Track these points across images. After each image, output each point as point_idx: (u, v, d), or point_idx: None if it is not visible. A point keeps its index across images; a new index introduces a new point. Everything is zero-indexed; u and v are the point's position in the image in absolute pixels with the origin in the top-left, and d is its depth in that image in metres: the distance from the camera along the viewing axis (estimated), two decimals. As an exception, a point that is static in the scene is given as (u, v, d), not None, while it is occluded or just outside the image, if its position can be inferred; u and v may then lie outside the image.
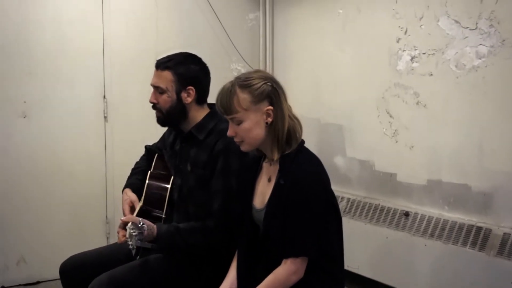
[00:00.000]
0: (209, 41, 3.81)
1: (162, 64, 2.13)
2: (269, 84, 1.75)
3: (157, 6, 3.58)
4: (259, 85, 1.73)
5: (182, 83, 2.11)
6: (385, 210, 3.04)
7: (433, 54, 2.83)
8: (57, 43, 3.25)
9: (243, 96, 1.72)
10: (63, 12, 3.26)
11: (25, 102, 3.19)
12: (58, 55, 3.26)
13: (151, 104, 2.16)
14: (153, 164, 2.38)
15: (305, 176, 1.72)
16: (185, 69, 2.12)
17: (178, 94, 2.12)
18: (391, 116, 3.04)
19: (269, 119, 1.74)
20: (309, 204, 1.70)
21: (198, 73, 2.15)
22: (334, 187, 1.81)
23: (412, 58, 2.93)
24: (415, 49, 2.92)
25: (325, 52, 3.54)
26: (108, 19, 3.40)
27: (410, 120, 2.94)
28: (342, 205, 3.25)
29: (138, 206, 2.24)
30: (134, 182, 2.36)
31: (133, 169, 2.47)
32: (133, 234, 1.84)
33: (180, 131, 2.21)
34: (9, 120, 3.18)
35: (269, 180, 1.83)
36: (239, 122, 1.75)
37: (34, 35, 3.18)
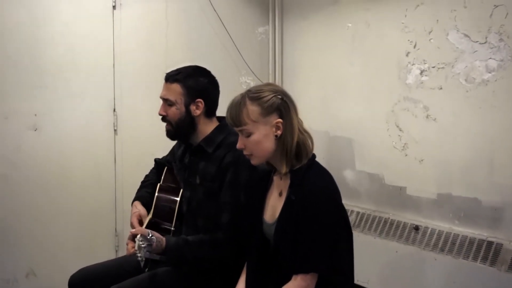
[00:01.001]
0: (218, 54, 3.82)
1: (171, 77, 2.14)
2: (279, 97, 1.75)
3: (167, 20, 3.60)
4: (269, 97, 1.73)
5: (191, 95, 2.12)
6: (394, 224, 3.03)
7: (443, 68, 2.83)
8: (68, 57, 3.27)
9: (253, 108, 1.73)
10: (74, 26, 3.28)
11: (36, 115, 3.20)
12: (69, 69, 3.27)
13: (161, 117, 2.18)
14: (162, 177, 2.38)
15: (316, 191, 1.71)
16: (194, 82, 2.13)
17: (187, 106, 2.13)
18: (400, 130, 3.03)
19: (279, 132, 1.74)
20: (320, 220, 1.69)
21: (207, 85, 2.16)
22: (343, 201, 1.80)
23: (422, 72, 2.93)
24: (425, 63, 2.92)
25: (334, 65, 3.55)
26: (119, 33, 3.42)
27: (419, 134, 2.93)
28: (351, 219, 3.24)
29: (147, 219, 2.24)
30: (144, 195, 2.37)
31: (142, 182, 2.48)
32: (142, 246, 1.84)
33: (189, 144, 2.22)
34: (20, 133, 3.18)
35: (280, 194, 1.83)
36: (248, 134, 1.75)
37: (45, 49, 3.20)
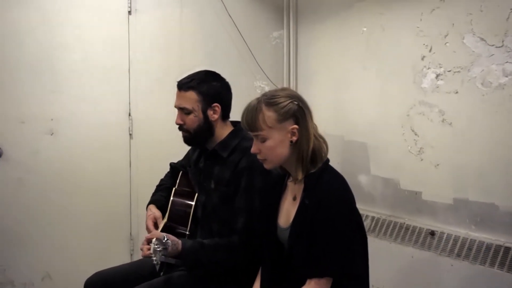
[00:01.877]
0: (233, 59, 3.83)
1: (184, 85, 2.14)
2: (296, 103, 1.74)
3: (181, 25, 3.61)
4: (285, 103, 1.72)
5: (207, 101, 2.12)
6: (410, 229, 3.00)
7: (459, 71, 2.80)
8: (84, 62, 3.30)
9: (269, 114, 1.72)
10: (90, 32, 3.32)
11: (52, 119, 3.23)
12: (85, 73, 3.30)
13: (177, 125, 2.18)
14: (177, 181, 2.39)
15: (330, 196, 1.70)
16: (208, 87, 2.13)
17: (204, 112, 2.13)
18: (416, 134, 3.01)
19: (294, 138, 1.74)
20: (334, 224, 1.68)
21: (220, 89, 2.17)
22: (358, 206, 1.80)
23: (437, 76, 2.91)
24: (440, 67, 2.90)
25: (348, 69, 3.54)
26: (134, 38, 3.44)
27: (435, 138, 2.91)
28: (366, 224, 3.22)
29: (162, 222, 2.25)
30: (159, 198, 2.38)
31: (157, 186, 2.49)
32: (158, 249, 1.85)
33: (205, 149, 2.22)
34: (37, 137, 3.21)
35: (294, 198, 1.82)
36: (264, 140, 1.75)
37: (61, 54, 3.23)
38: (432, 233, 2.87)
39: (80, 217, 3.35)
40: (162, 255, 1.86)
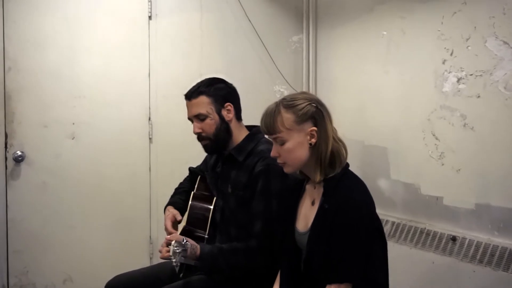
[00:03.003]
0: (252, 63, 3.84)
1: (193, 93, 2.17)
2: (314, 105, 1.74)
3: (201, 30, 3.63)
4: (303, 105, 1.73)
5: (219, 102, 2.15)
6: (431, 235, 2.97)
7: (481, 75, 2.77)
8: (105, 67, 3.33)
9: (287, 116, 1.72)
10: (111, 37, 3.35)
11: (73, 124, 3.27)
12: (106, 78, 3.34)
13: (196, 135, 2.18)
14: (196, 185, 2.40)
15: (350, 200, 1.70)
16: (216, 89, 2.17)
17: (219, 113, 2.15)
18: (437, 139, 2.98)
19: (313, 140, 1.73)
20: (354, 229, 1.67)
21: (228, 89, 2.20)
22: (378, 210, 1.78)
23: (459, 80, 2.88)
24: (462, 71, 2.87)
25: (369, 73, 3.52)
26: (154, 43, 3.47)
27: (457, 143, 2.88)
28: (386, 229, 3.20)
29: (181, 226, 2.26)
30: (177, 201, 2.40)
31: (176, 189, 2.51)
32: (177, 251, 1.86)
33: (221, 153, 2.23)
34: (59, 141, 3.25)
35: (313, 203, 1.81)
36: (282, 142, 1.75)
37: (82, 59, 3.27)
38: (454, 239, 2.83)
39: (100, 221, 3.38)
40: (182, 256, 1.88)
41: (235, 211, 2.11)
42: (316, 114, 1.74)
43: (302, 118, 1.72)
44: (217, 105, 2.15)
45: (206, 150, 2.22)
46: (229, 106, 2.15)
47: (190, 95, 2.18)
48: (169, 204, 2.39)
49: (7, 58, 3.10)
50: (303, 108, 1.73)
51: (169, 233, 2.19)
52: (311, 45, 4.02)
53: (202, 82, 2.21)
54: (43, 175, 3.21)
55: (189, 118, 2.21)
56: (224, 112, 2.14)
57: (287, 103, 1.76)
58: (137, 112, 3.47)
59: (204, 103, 2.14)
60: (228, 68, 3.68)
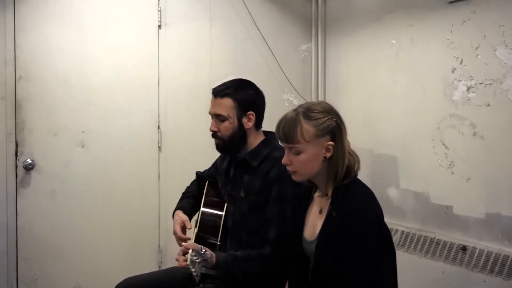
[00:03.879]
0: (261, 72, 3.86)
1: (220, 92, 2.16)
2: (334, 119, 1.75)
3: (211, 39, 3.66)
4: (324, 119, 1.74)
5: (242, 108, 2.15)
6: (441, 244, 2.96)
7: (490, 84, 2.78)
8: (115, 75, 3.38)
9: (307, 128, 1.73)
10: (121, 45, 3.39)
11: (83, 132, 3.30)
12: (115, 86, 3.38)
13: (211, 133, 2.19)
14: (204, 191, 2.42)
15: (358, 209, 1.71)
16: (244, 95, 2.16)
17: (239, 120, 2.15)
18: (446, 147, 2.98)
19: (328, 154, 1.74)
20: (362, 237, 1.67)
21: (255, 97, 2.20)
22: (387, 219, 1.79)
23: (468, 88, 2.89)
24: (471, 79, 2.88)
25: (377, 82, 3.54)
26: (164, 52, 3.51)
27: (466, 152, 2.88)
28: (396, 238, 3.20)
29: (193, 232, 2.28)
30: (186, 205, 2.42)
31: (184, 193, 2.53)
32: (197, 261, 1.87)
33: (235, 158, 2.25)
34: (68, 149, 3.29)
35: (320, 212, 1.82)
36: (298, 153, 1.75)
37: (92, 67, 3.31)
38: (464, 248, 2.83)
39: (109, 229, 3.41)
40: (202, 266, 1.89)
41: (247, 216, 2.13)
42: (335, 129, 1.75)
43: (322, 132, 1.73)
44: (240, 111, 2.15)
45: (217, 148, 2.24)
46: (251, 115, 2.15)
47: (217, 93, 2.18)
48: (178, 208, 2.41)
49: (18, 67, 3.14)
50: (324, 122, 1.74)
51: (179, 238, 2.21)
52: (320, 54, 4.05)
53: (232, 82, 2.22)
54: (53, 182, 3.26)
55: (209, 113, 2.22)
56: (244, 120, 2.15)
57: (308, 113, 1.76)
58: (147, 121, 3.51)
59: (227, 106, 2.15)
60: (237, 76, 3.66)
